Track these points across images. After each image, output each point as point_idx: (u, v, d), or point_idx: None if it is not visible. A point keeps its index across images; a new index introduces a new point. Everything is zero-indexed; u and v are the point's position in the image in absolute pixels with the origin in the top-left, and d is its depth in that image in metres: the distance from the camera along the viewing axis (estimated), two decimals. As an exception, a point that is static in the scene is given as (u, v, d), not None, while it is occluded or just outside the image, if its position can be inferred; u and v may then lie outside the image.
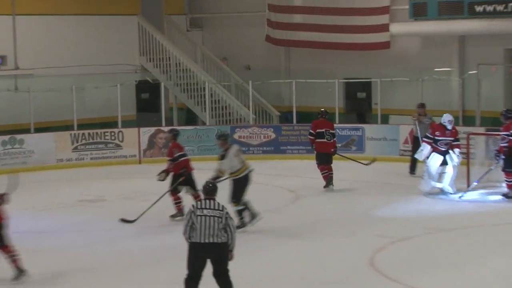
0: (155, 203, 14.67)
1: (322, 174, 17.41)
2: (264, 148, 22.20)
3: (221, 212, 9.39)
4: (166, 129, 21.75)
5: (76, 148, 21.76)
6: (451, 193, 16.43)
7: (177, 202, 14.94)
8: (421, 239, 13.32)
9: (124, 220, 14.34)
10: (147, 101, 25.70)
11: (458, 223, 14.40)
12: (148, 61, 25.26)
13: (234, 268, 9.52)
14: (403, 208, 15.74)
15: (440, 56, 22.29)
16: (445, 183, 16.49)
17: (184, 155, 14.96)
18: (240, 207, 13.62)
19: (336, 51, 23.51)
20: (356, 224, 14.35)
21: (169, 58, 25.11)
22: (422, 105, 19.00)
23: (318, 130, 17.39)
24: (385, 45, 22.54)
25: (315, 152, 17.50)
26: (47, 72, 22.65)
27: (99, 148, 21.92)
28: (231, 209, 11.72)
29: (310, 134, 17.65)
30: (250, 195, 13.81)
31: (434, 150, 16.35)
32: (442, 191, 16.56)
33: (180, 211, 14.78)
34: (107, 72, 23.63)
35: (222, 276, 9.45)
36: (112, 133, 22.11)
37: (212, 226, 9.28)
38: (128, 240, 13.57)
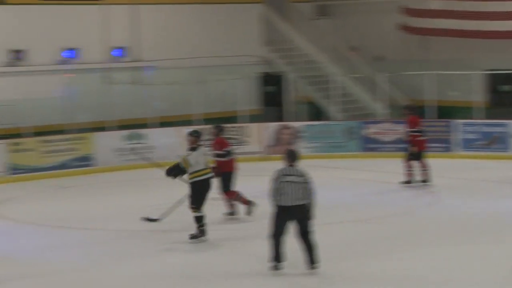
0: (180, 201, 14.60)
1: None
2: (398, 146, 21.86)
3: (304, 177, 11.03)
4: (291, 124, 21.89)
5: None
6: None
7: (236, 198, 15.16)
8: None
9: (148, 219, 14.36)
10: (273, 94, 25.81)
11: None
12: (272, 52, 25.39)
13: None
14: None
15: None
16: None
17: (221, 154, 15.11)
18: (199, 214, 13.39)
19: (477, 40, 23.05)
20: (503, 229, 13.97)
21: (294, 48, 25.18)
22: None
23: (418, 127, 17.52)
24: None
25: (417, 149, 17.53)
26: (171, 64, 22.96)
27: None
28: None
29: (414, 131, 17.57)
30: (384, 195, 13.70)
31: None
32: None
33: (233, 209, 15.11)
34: (229, 64, 23.82)
35: (306, 235, 10.99)
36: (236, 128, 22.28)
37: (297, 190, 10.94)
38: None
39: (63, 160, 20.35)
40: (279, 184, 11.00)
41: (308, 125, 22.80)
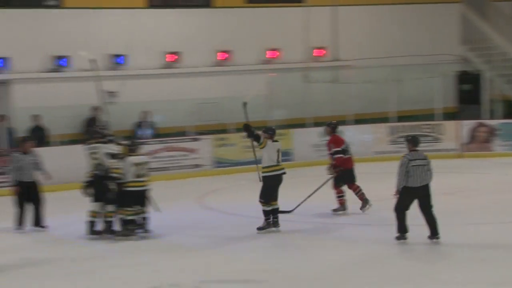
0: (311, 194, 14.92)
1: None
2: None
3: (427, 160, 12.39)
4: (487, 122, 21.14)
5: (393, 140, 21.81)
6: None
7: (339, 196, 14.91)
8: None
9: (281, 212, 14.01)
10: (469, 92, 25.02)
11: None
12: (470, 50, 24.62)
13: None
14: None
15: None
16: None
17: (339, 151, 14.78)
18: (267, 208, 13.35)
19: None
20: None
21: (493, 47, 24.30)
22: None
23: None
24: None
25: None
26: (367, 63, 22.81)
27: (418, 141, 21.75)
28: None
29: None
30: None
31: None
32: None
33: (342, 205, 14.84)
34: (426, 62, 23.32)
35: (429, 209, 12.29)
36: (432, 126, 21.85)
37: (423, 172, 12.25)
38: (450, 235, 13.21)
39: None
40: (408, 168, 12.19)
41: (504, 123, 21.95)
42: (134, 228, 13.29)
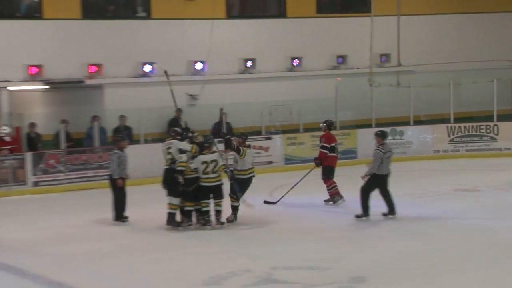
0: (294, 186, 15.17)
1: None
2: None
3: (392, 152, 13.51)
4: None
5: (452, 140, 21.56)
6: None
7: (332, 187, 15.11)
8: None
9: (267, 202, 14.13)
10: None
11: None
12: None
13: None
14: None
15: None
16: None
17: (326, 147, 15.00)
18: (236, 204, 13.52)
19: None
20: None
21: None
22: None
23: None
24: None
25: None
26: (427, 69, 22.63)
27: (474, 141, 21.48)
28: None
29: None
30: None
31: None
32: None
33: (338, 195, 15.10)
34: (483, 68, 22.99)
35: (388, 192, 13.52)
36: (488, 127, 21.52)
37: (390, 162, 13.41)
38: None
39: (330, 153, 20.58)
40: (383, 159, 13.19)
41: None
42: (207, 219, 13.44)
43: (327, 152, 15.25)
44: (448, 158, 21.12)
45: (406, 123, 21.73)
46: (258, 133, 20.34)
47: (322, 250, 11.76)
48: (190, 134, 13.97)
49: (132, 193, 14.38)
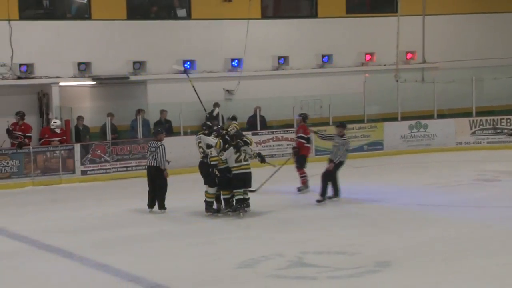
0: (272, 175, 14.97)
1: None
2: None
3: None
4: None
5: (474, 132, 21.26)
6: None
7: (302, 176, 15.16)
8: None
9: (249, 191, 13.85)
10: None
11: None
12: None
13: None
14: None
15: None
16: None
17: (303, 137, 15.19)
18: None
19: None
20: None
21: None
22: None
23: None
24: None
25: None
26: (450, 65, 22.37)
27: (495, 133, 21.17)
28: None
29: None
30: None
31: None
32: None
33: (304, 184, 15.18)
34: (503, 64, 22.64)
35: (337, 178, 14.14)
36: (508, 120, 21.21)
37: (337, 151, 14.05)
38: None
39: (359, 144, 20.44)
40: (348, 147, 14.09)
41: None
42: (242, 206, 13.40)
43: (305, 142, 15.39)
44: (470, 150, 20.82)
45: (430, 116, 21.45)
46: (291, 126, 20.21)
47: (350, 236, 11.69)
48: (216, 127, 13.92)
49: (172, 182, 14.37)
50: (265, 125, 20.46)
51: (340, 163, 14.21)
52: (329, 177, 14.10)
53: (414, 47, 22.96)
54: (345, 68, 22.48)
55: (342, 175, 14.74)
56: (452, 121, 21.30)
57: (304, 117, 15.88)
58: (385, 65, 22.58)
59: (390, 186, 15.92)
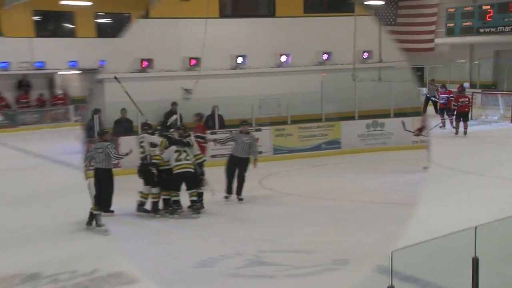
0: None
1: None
2: None
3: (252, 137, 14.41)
4: None
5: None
6: None
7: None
8: None
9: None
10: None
11: None
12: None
13: None
14: None
15: None
16: None
17: (202, 137, 15.23)
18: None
19: None
20: None
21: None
22: None
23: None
24: None
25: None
26: (405, 65, 22.67)
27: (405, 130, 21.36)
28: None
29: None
30: None
31: None
32: None
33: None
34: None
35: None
36: None
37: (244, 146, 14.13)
38: None
39: (316, 143, 20.53)
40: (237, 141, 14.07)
41: None
42: (178, 207, 13.27)
43: (204, 142, 15.52)
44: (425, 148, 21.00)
45: (387, 115, 21.64)
46: (249, 124, 20.17)
47: (308, 234, 11.71)
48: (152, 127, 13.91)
49: (121, 182, 13.94)
50: (223, 124, 20.41)
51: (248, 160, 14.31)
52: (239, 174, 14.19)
53: (370, 47, 23.12)
54: (303, 67, 22.57)
55: (301, 174, 14.77)
56: (408, 119, 21.42)
57: (201, 117, 16.05)
58: (342, 64, 22.70)
59: (348, 185, 16.01)
